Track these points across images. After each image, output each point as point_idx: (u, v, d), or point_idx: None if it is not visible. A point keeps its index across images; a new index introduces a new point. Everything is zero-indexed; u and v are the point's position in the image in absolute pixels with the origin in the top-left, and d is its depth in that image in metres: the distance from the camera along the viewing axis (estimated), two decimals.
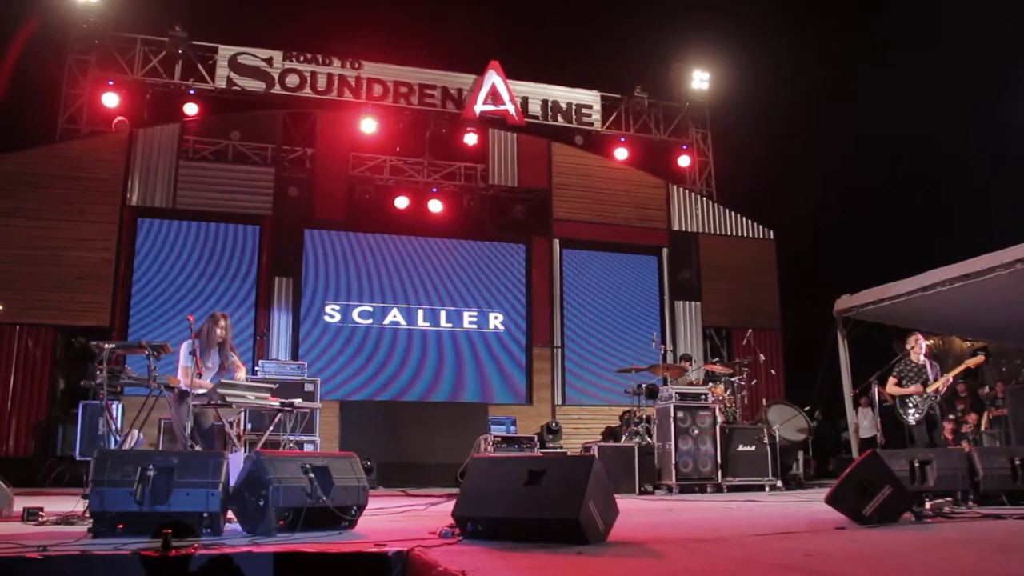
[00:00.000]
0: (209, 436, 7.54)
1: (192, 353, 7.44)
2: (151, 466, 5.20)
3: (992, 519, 6.19)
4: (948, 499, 7.05)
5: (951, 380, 9.69)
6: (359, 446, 11.84)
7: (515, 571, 3.87)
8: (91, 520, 5.21)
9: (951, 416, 14.40)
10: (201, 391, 7.31)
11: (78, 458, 11.49)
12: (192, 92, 15.35)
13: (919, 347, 9.83)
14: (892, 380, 9.78)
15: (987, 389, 14.56)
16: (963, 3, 18.20)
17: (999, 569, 3.98)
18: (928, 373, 9.59)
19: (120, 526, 5.14)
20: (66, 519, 5.92)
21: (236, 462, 6.08)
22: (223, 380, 7.45)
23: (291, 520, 5.29)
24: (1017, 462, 7.28)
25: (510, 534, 4.84)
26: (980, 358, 10.53)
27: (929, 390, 9.47)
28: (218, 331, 7.79)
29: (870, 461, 6.09)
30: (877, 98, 20.74)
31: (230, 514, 5.57)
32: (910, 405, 9.54)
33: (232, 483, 5.55)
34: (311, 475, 5.40)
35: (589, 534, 4.63)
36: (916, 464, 7.12)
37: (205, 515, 5.21)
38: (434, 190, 16.02)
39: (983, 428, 13.88)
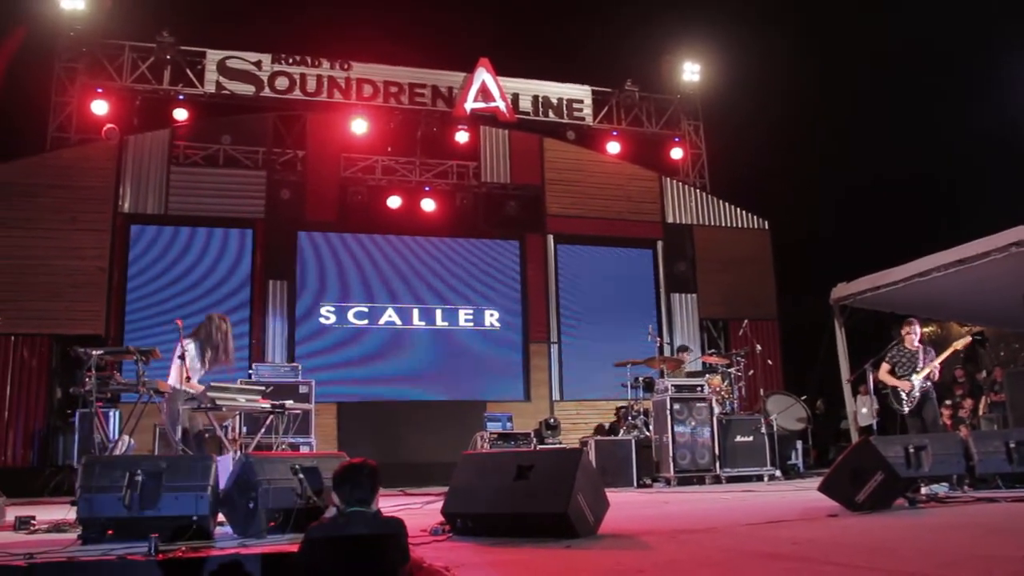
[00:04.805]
0: (199, 439, 7.50)
1: (202, 353, 7.45)
2: (139, 471, 5.19)
3: (986, 502, 6.18)
4: (943, 484, 7.05)
5: (939, 366, 9.53)
6: (357, 447, 11.86)
7: (498, 566, 3.85)
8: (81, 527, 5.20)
9: (948, 402, 14.36)
10: (191, 393, 7.28)
11: (76, 466, 11.45)
12: (181, 97, 15.29)
13: (914, 333, 9.67)
14: (885, 367, 9.63)
15: (985, 374, 14.52)
16: None
17: (989, 551, 3.96)
18: (920, 359, 9.44)
19: (110, 532, 5.13)
20: (57, 527, 5.91)
21: (226, 465, 6.06)
22: (212, 384, 7.42)
23: (281, 521, 5.28)
24: (1012, 445, 7.23)
25: (499, 529, 4.82)
26: (967, 340, 10.41)
27: (919, 377, 9.33)
28: (219, 335, 7.75)
29: (862, 448, 6.09)
30: (872, 85, 20.65)
31: (221, 517, 5.55)
32: (903, 394, 9.43)
33: (222, 486, 5.54)
34: (300, 475, 5.38)
35: (578, 527, 4.61)
36: (911, 450, 7.06)
37: (195, 518, 5.19)
38: (426, 189, 15.96)
39: (981, 413, 13.83)
